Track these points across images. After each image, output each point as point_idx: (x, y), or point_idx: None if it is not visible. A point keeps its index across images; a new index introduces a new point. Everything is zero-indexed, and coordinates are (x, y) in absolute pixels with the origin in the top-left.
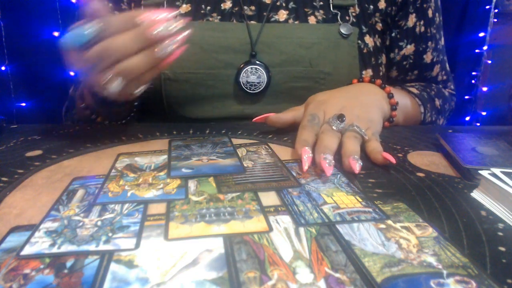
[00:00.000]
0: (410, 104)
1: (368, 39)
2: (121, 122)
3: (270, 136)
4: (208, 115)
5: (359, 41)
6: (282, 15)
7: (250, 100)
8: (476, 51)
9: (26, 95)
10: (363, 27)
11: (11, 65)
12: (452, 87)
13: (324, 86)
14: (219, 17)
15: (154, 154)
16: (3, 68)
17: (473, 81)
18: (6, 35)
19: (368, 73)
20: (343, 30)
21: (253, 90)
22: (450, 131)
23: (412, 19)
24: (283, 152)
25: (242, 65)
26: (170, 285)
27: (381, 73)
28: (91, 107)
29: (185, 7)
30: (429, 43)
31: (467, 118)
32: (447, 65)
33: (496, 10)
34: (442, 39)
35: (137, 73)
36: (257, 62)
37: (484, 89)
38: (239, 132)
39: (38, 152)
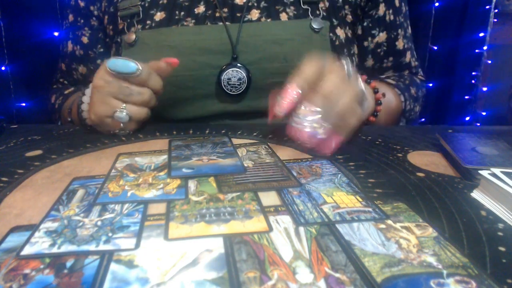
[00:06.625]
0: (392, 95)
1: (340, 31)
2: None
3: (270, 136)
4: (190, 116)
5: (331, 34)
6: (255, 14)
7: (231, 99)
8: (476, 51)
9: (26, 95)
10: (334, 20)
11: (11, 65)
12: (421, 73)
13: None
14: (193, 21)
15: (154, 154)
16: (3, 68)
17: (473, 81)
18: (6, 35)
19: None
20: (314, 25)
21: (234, 92)
22: (450, 131)
23: (382, 8)
24: (283, 152)
25: (224, 67)
26: (170, 285)
27: (354, 63)
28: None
29: (159, 15)
30: (399, 30)
31: (467, 118)
32: (415, 53)
33: (496, 10)
34: (409, 28)
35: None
36: (238, 64)
37: (484, 89)
38: (239, 132)
39: (38, 152)
